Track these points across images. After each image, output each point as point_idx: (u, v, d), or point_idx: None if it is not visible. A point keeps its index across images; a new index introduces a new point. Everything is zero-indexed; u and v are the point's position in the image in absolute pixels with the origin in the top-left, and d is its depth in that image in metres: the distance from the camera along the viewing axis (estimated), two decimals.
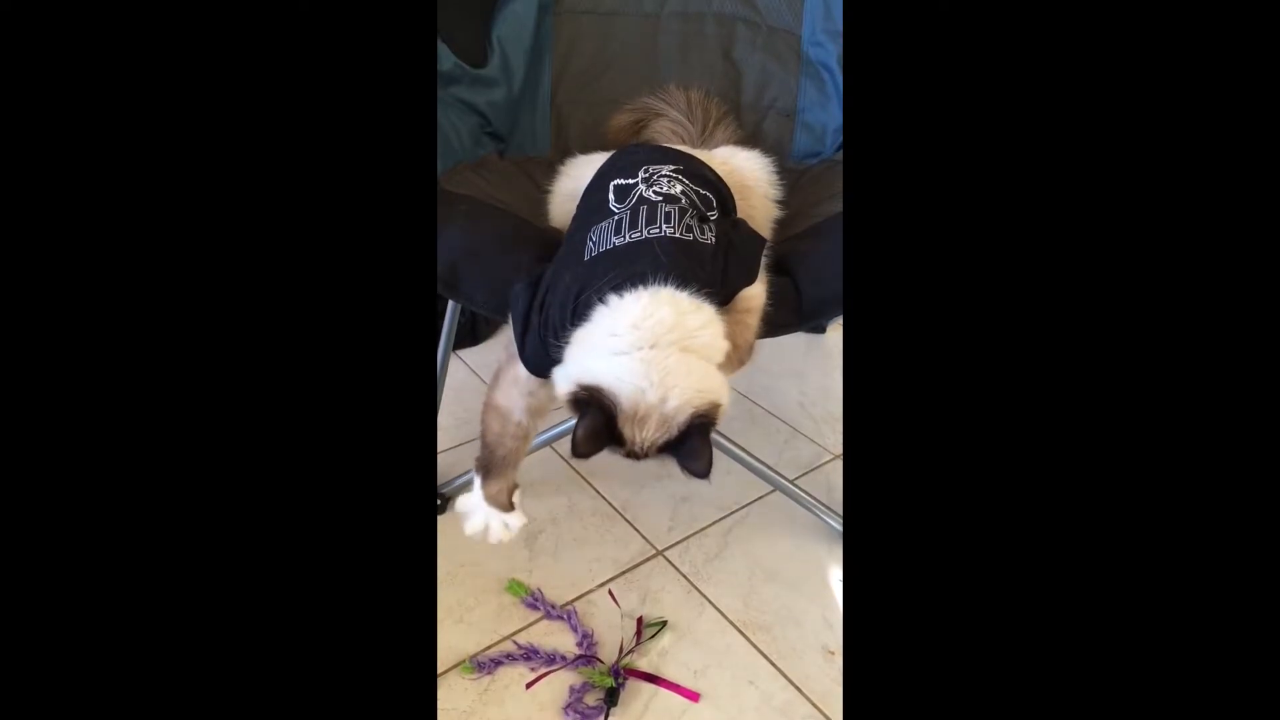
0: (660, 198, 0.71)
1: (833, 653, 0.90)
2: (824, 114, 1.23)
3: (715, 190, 0.78)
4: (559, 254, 0.73)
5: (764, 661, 0.89)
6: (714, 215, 0.74)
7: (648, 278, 0.60)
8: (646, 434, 0.61)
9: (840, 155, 1.20)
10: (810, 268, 0.80)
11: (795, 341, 1.59)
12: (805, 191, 1.12)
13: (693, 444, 0.61)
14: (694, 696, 0.84)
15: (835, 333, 1.64)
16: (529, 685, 0.84)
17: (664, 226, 0.66)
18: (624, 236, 0.66)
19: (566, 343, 0.63)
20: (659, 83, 1.27)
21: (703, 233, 0.68)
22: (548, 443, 1.08)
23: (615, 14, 1.27)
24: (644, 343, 0.59)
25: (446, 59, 1.13)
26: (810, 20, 1.23)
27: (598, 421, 0.60)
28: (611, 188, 0.75)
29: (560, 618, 0.92)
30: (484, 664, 0.85)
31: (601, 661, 0.86)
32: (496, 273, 0.78)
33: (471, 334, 1.54)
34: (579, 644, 0.88)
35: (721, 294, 0.66)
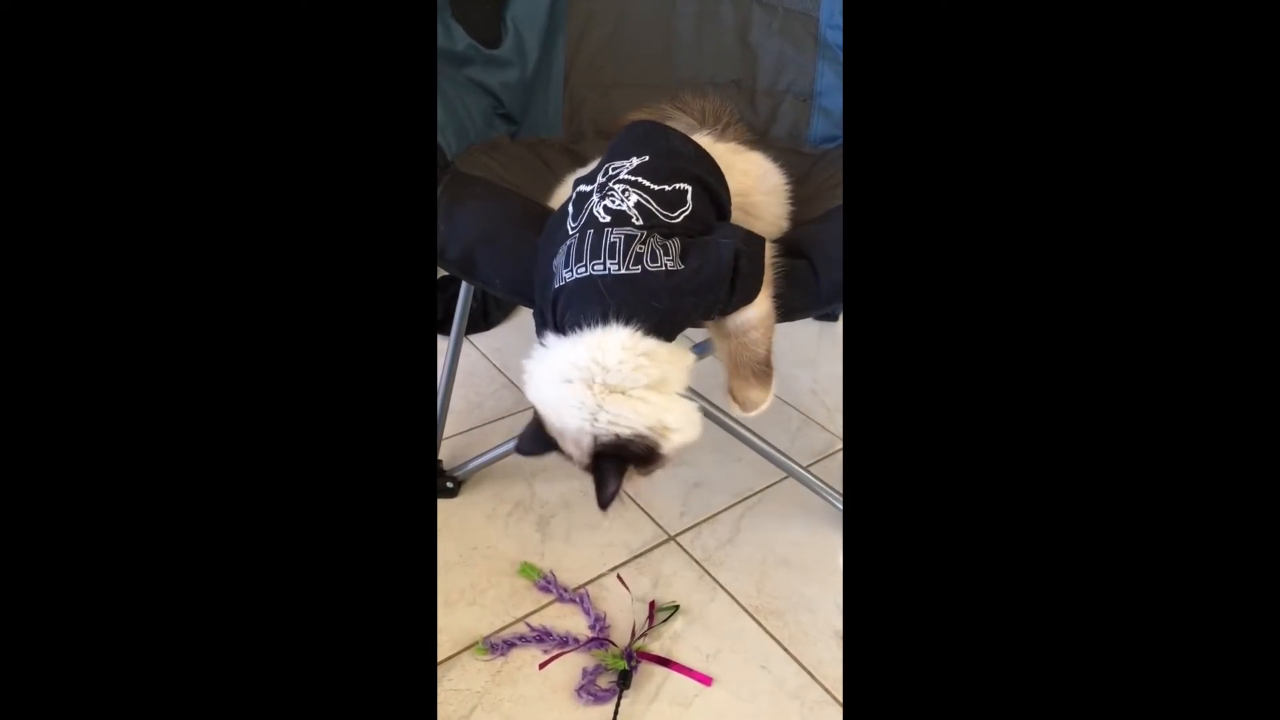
0: (609, 218, 0.66)
1: None
2: (841, 98, 1.21)
3: (690, 178, 0.72)
4: (539, 265, 0.71)
5: (776, 646, 0.89)
6: (682, 214, 0.68)
7: (582, 322, 0.63)
8: (569, 450, 0.67)
9: None
10: (827, 251, 0.78)
11: (808, 329, 1.58)
12: (822, 176, 1.11)
13: (600, 474, 0.65)
14: (706, 680, 0.84)
15: None
16: (542, 666, 0.84)
17: (608, 263, 0.63)
18: (573, 271, 0.64)
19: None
20: (673, 66, 1.26)
21: (655, 258, 0.63)
22: None
23: None
24: (565, 378, 0.64)
25: (460, 40, 1.12)
26: (828, 2, 1.21)
27: (538, 428, 0.69)
28: (574, 194, 0.72)
29: (573, 601, 0.92)
30: (497, 645, 0.86)
31: (614, 644, 0.87)
32: (512, 255, 0.77)
33: (484, 318, 1.53)
34: (591, 627, 0.89)
35: (690, 319, 0.68)
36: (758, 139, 1.11)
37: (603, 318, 0.62)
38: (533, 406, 0.69)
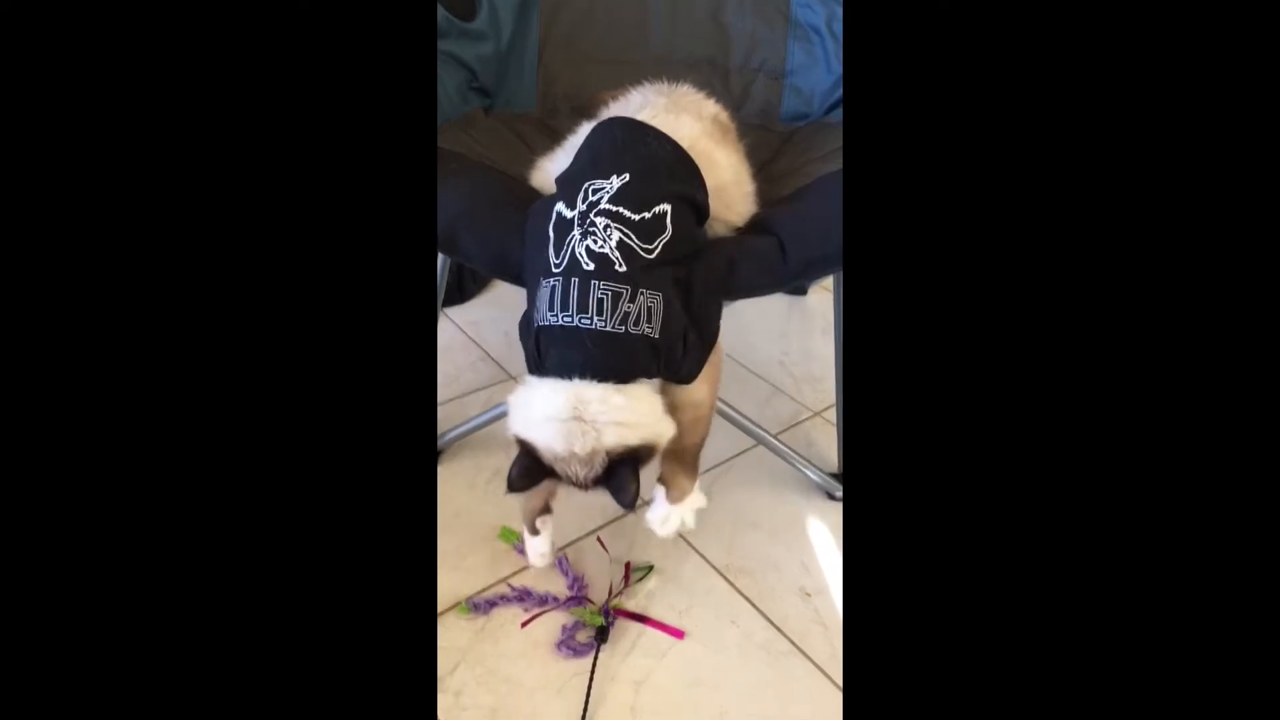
0: (593, 265, 0.68)
1: (809, 595, 0.96)
2: (812, 77, 1.24)
3: (669, 195, 0.73)
4: (528, 277, 0.75)
5: (745, 603, 0.94)
6: (660, 243, 0.71)
7: (564, 369, 0.69)
8: (576, 472, 0.71)
9: (828, 118, 1.22)
10: (796, 229, 0.82)
11: (777, 303, 1.63)
12: (792, 153, 1.14)
13: (619, 478, 0.70)
14: (679, 634, 0.89)
15: (815, 295, 1.68)
16: (524, 625, 0.88)
17: (595, 319, 0.67)
18: (557, 317, 0.68)
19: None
20: (647, 43, 1.27)
21: (637, 322, 0.68)
22: None
23: None
24: (564, 415, 0.68)
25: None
26: None
27: (529, 464, 0.72)
28: (554, 216, 0.73)
29: (551, 563, 0.96)
30: (480, 605, 0.90)
31: (592, 602, 0.91)
32: (493, 232, 0.79)
33: (459, 292, 1.55)
34: (570, 587, 0.93)
35: (664, 373, 0.72)
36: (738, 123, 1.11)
37: (582, 369, 0.68)
38: (517, 437, 0.73)
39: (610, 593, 0.92)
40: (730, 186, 0.87)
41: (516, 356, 1.39)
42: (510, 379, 1.34)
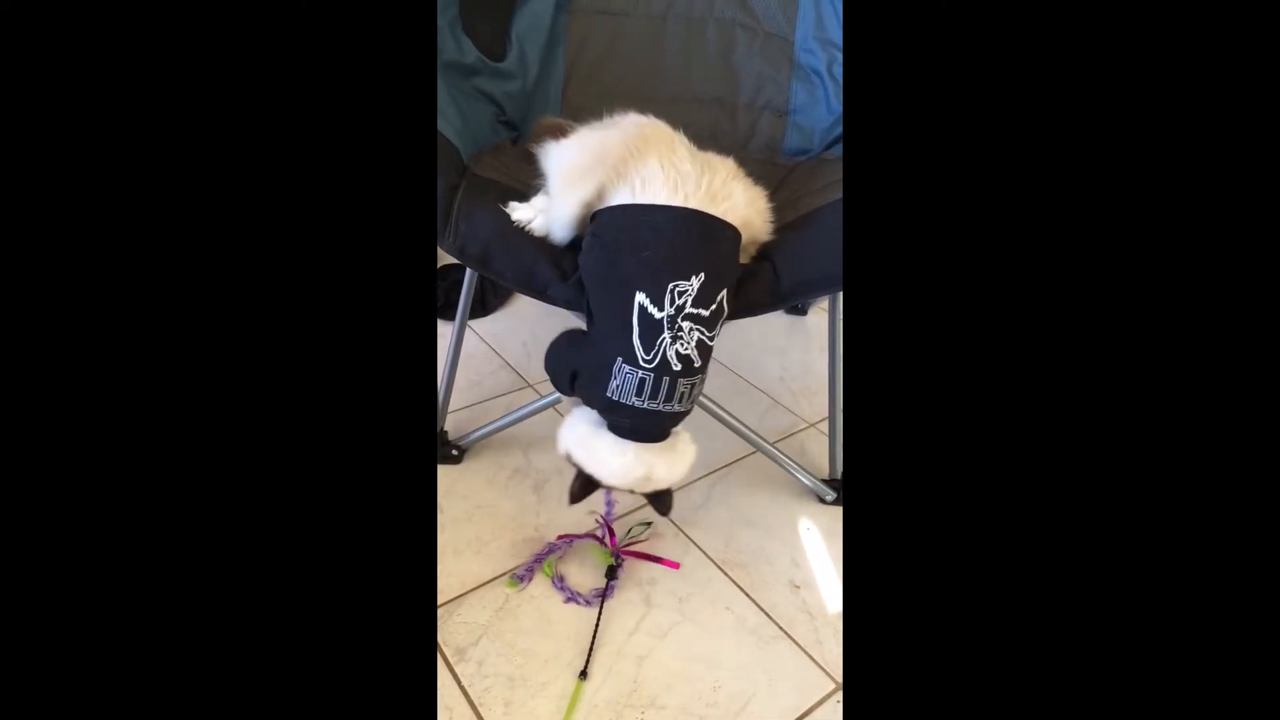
0: (680, 366, 0.80)
1: (797, 587, 1.05)
2: (813, 115, 1.35)
3: (729, 280, 0.84)
4: (587, 338, 0.88)
5: (739, 592, 1.04)
6: (719, 325, 0.83)
7: (644, 439, 0.86)
8: (621, 490, 0.90)
9: (827, 154, 1.33)
10: (788, 255, 0.93)
11: (779, 322, 1.73)
12: (792, 186, 1.25)
13: (661, 496, 0.93)
14: (675, 564, 1.05)
15: (814, 315, 1.78)
16: (574, 540, 1.06)
17: (676, 404, 0.82)
18: (644, 401, 0.81)
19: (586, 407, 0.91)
20: (662, 82, 1.39)
21: (695, 400, 0.85)
22: (552, 404, 1.21)
23: (624, 15, 1.39)
24: (636, 474, 0.86)
25: (470, 53, 1.24)
26: (803, 28, 1.35)
27: (586, 480, 0.91)
28: (636, 310, 0.79)
29: (568, 544, 1.07)
30: (522, 575, 1.02)
31: (604, 544, 1.06)
32: (523, 252, 0.90)
33: (482, 306, 1.66)
34: (606, 499, 1.11)
35: None
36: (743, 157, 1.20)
37: (654, 437, 0.86)
38: (565, 450, 0.92)
39: (610, 532, 1.07)
40: (755, 220, 0.97)
41: (533, 365, 1.51)
42: (527, 386, 1.45)
